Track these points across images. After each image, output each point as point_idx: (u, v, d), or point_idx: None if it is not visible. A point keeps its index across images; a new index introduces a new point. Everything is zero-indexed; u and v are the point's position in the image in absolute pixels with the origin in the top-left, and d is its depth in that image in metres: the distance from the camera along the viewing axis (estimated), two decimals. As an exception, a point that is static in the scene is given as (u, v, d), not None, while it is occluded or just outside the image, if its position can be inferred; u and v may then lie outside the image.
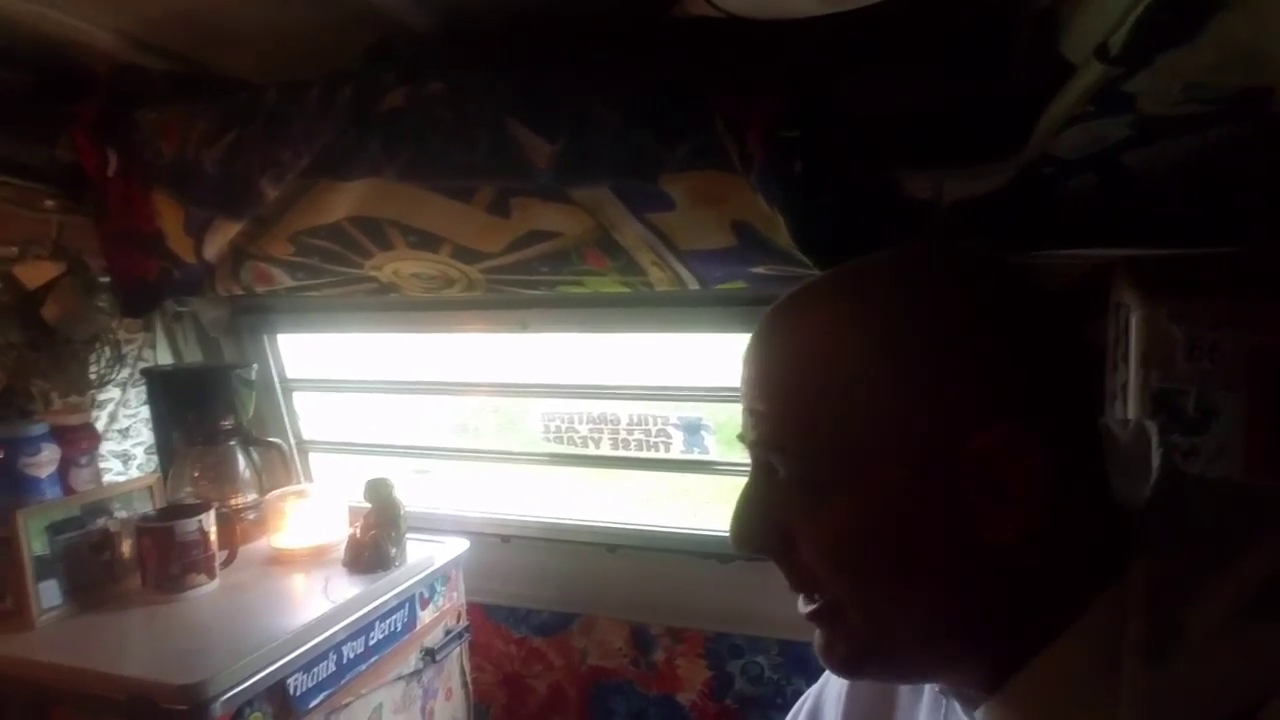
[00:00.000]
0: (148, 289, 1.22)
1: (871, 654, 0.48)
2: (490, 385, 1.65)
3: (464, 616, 1.35)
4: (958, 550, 0.44)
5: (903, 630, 0.47)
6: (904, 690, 0.65)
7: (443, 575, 1.29)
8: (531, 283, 1.10)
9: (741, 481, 0.52)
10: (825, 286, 0.50)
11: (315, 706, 1.03)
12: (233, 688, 0.91)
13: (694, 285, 1.01)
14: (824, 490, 0.46)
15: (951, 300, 0.46)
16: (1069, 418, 0.46)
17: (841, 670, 0.51)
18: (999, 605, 0.45)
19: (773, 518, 0.49)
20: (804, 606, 0.51)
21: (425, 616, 1.25)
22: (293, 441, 1.61)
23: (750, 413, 0.50)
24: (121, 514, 1.17)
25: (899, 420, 0.44)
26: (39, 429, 1.21)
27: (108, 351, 1.34)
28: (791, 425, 0.47)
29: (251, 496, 1.37)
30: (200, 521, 1.13)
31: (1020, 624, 0.46)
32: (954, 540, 0.44)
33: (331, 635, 1.05)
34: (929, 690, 0.62)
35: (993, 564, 0.44)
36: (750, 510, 0.50)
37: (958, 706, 0.55)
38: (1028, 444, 0.43)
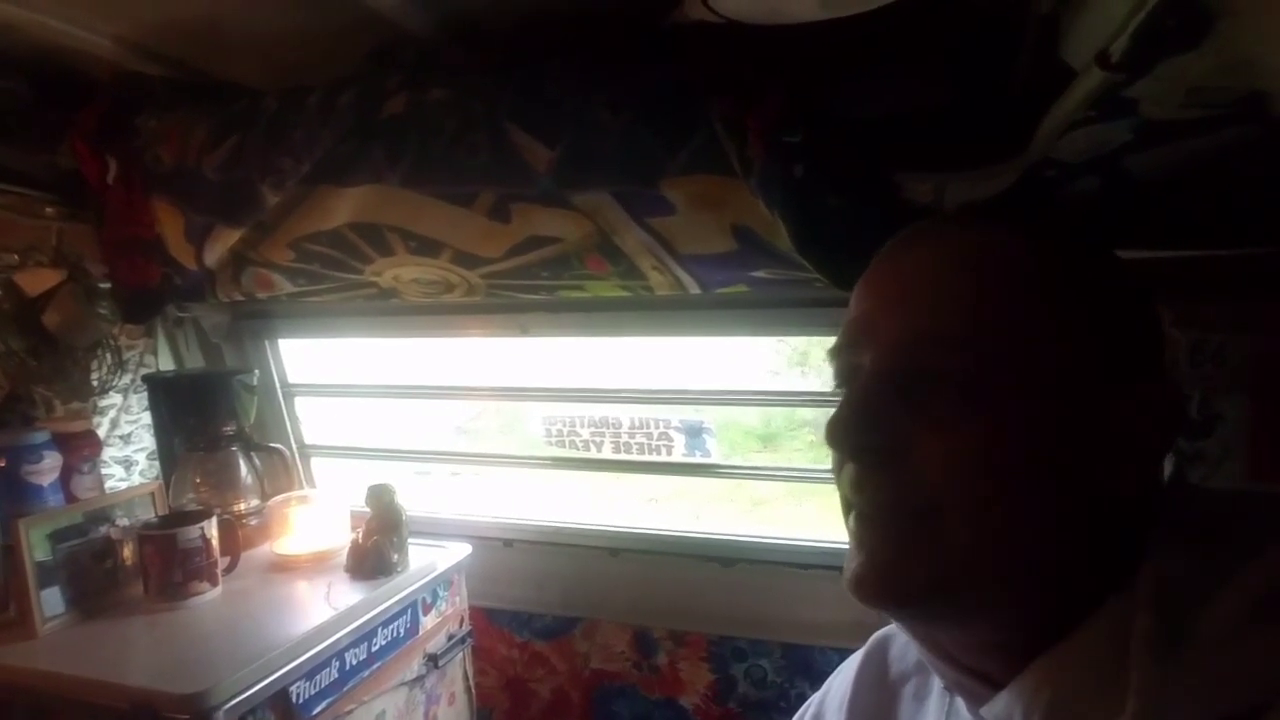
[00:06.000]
0: (149, 295, 1.22)
1: (959, 568, 0.47)
2: (491, 389, 1.65)
3: (466, 621, 1.35)
4: (1075, 489, 0.47)
5: (999, 547, 0.46)
6: (906, 696, 0.65)
7: (445, 580, 1.29)
8: (532, 288, 1.10)
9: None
10: (973, 221, 0.54)
11: (318, 714, 1.02)
12: (235, 696, 0.91)
13: (695, 289, 1.01)
14: (979, 399, 0.46)
15: (1091, 262, 0.51)
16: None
17: (911, 587, 0.48)
18: (1078, 557, 0.47)
19: (892, 417, 0.48)
20: (885, 507, 0.49)
21: (428, 622, 1.24)
22: (294, 447, 1.61)
23: (891, 317, 0.50)
24: (124, 521, 1.17)
25: (1058, 352, 0.47)
26: (41, 436, 1.20)
27: (109, 358, 1.34)
28: (959, 329, 0.47)
29: (254, 502, 1.37)
30: (202, 528, 1.13)
31: (1077, 586, 0.47)
32: (1075, 479, 0.47)
33: (334, 642, 1.05)
34: (934, 696, 0.62)
35: (1095, 512, 0.47)
36: (869, 405, 0.48)
37: (962, 708, 0.55)
38: (1161, 406, 0.48)
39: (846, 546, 1.37)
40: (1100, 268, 0.51)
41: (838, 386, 0.54)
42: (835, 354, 0.55)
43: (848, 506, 0.53)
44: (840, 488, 0.53)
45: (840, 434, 0.49)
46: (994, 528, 0.46)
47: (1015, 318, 0.47)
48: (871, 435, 0.48)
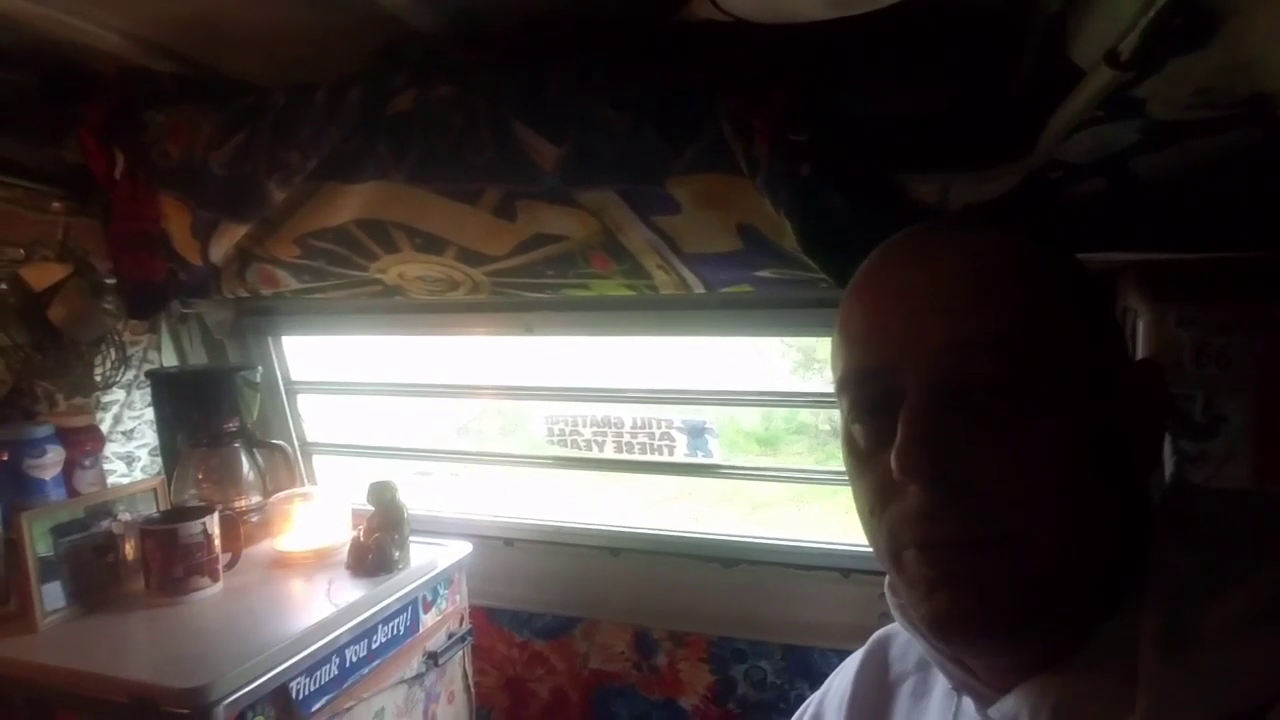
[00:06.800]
0: (154, 291, 1.22)
1: (1042, 599, 0.46)
2: (494, 388, 1.65)
3: (466, 620, 1.35)
4: (1112, 492, 0.47)
5: (1078, 571, 0.46)
6: (905, 695, 0.65)
7: (446, 578, 1.29)
8: (536, 286, 1.10)
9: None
10: (975, 226, 0.54)
11: (318, 710, 1.02)
12: (235, 691, 0.91)
13: (699, 289, 1.01)
14: (1041, 404, 0.45)
15: (1079, 262, 0.52)
16: None
17: (996, 618, 0.46)
18: (1107, 563, 0.47)
19: (958, 435, 0.46)
20: (957, 539, 0.46)
21: (428, 620, 1.24)
22: (296, 444, 1.61)
23: (932, 329, 0.47)
24: (125, 516, 1.17)
25: (1088, 349, 0.48)
26: (44, 431, 1.21)
27: (113, 353, 1.34)
28: (1011, 331, 0.46)
29: (255, 499, 1.37)
30: (204, 524, 1.13)
31: (1101, 591, 0.47)
32: (1113, 481, 0.47)
33: (335, 639, 1.05)
34: (936, 695, 0.62)
35: (1119, 514, 0.48)
36: (939, 427, 0.46)
37: (969, 707, 0.54)
38: (1150, 387, 0.51)
39: (847, 548, 1.36)
40: (1083, 266, 0.52)
41: (860, 414, 0.51)
42: (858, 381, 0.51)
43: (899, 543, 0.49)
44: (886, 522, 0.49)
45: (916, 463, 0.46)
46: (1069, 556, 0.46)
47: (1057, 318, 0.47)
48: (944, 460, 0.45)
